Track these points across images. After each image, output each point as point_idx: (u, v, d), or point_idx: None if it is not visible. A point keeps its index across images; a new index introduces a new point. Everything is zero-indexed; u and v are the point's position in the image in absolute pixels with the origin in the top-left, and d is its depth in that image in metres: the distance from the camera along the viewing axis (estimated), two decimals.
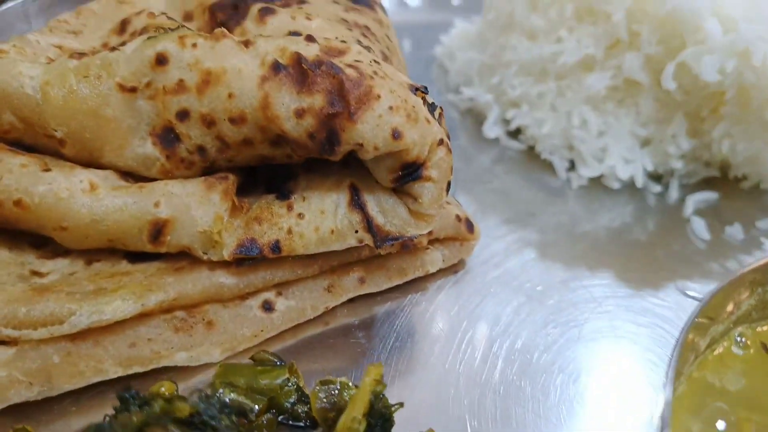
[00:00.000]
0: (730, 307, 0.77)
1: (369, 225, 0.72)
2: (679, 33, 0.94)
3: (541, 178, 1.09)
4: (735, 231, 0.99)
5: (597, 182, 1.07)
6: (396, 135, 0.66)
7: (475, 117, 1.22)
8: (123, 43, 0.71)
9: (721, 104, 0.98)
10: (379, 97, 0.66)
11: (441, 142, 0.70)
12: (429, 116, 0.70)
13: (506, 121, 1.16)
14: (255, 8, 0.84)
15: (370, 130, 0.65)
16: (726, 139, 1.00)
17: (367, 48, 0.80)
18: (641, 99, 1.01)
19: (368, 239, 0.72)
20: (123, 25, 0.88)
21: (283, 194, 0.75)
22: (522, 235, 0.97)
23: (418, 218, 0.73)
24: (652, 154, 1.04)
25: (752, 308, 0.78)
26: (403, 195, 0.72)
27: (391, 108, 0.66)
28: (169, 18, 0.84)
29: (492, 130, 1.14)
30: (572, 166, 1.08)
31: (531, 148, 1.13)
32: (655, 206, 1.05)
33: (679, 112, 1.01)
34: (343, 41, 0.73)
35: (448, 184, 0.73)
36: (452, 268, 0.89)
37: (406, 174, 0.69)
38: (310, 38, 0.71)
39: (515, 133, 1.16)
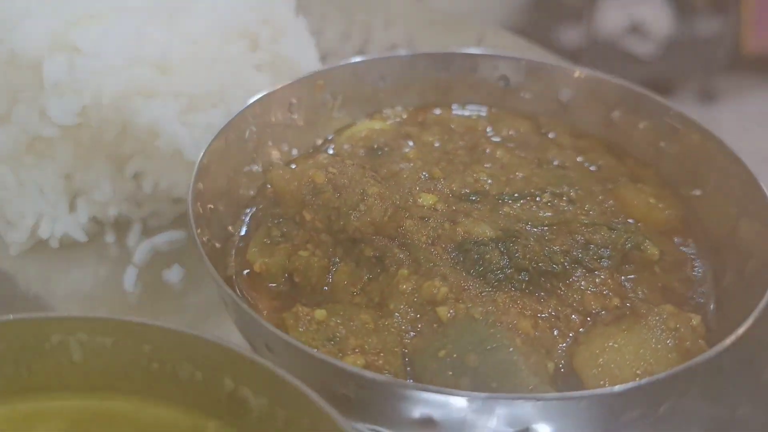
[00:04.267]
0: None
1: None
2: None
3: None
4: (172, 274, 0.91)
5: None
6: None
7: None
8: None
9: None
10: None
11: None
12: None
13: None
14: None
15: None
16: (146, 177, 0.91)
17: None
18: (57, 148, 0.91)
19: None
20: None
21: None
22: None
23: None
24: (87, 204, 0.95)
25: None
26: None
27: None
28: None
29: None
30: None
31: None
32: (117, 257, 0.97)
33: (99, 155, 0.92)
34: None
35: None
36: None
37: None
38: None
39: None
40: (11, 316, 0.55)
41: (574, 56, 4.86)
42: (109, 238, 0.97)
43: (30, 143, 0.93)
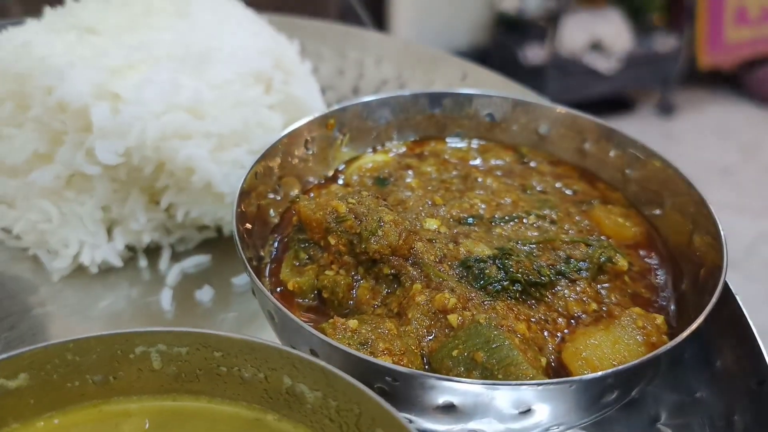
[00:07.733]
0: None
1: None
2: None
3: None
4: (203, 294, 1.02)
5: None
6: None
7: None
8: None
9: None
10: None
11: None
12: None
13: None
14: None
15: None
16: (178, 207, 1.03)
17: None
18: (96, 184, 1.02)
19: None
20: None
21: None
22: None
23: None
24: (123, 233, 1.05)
25: None
26: None
27: None
28: None
29: None
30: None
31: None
32: (149, 280, 1.07)
33: (135, 189, 1.03)
34: None
35: None
36: None
37: None
38: None
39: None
40: (103, 333, 0.66)
41: (539, 73, 5.11)
42: (142, 263, 1.08)
43: (69, 179, 1.03)
